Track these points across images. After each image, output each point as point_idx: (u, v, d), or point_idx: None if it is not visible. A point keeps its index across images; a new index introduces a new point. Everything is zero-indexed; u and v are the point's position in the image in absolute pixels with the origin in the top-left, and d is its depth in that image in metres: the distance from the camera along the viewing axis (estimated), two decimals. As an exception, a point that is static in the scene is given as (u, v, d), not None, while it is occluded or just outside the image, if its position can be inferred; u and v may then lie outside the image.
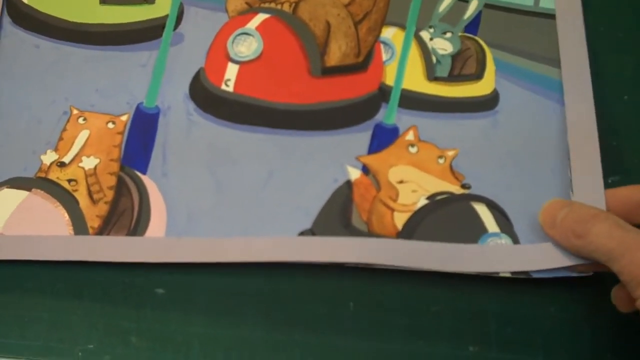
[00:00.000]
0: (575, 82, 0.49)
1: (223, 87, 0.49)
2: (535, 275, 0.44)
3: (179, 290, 0.45)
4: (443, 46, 0.51)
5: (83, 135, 0.47)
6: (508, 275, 0.44)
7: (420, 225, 0.46)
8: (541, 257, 0.44)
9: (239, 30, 0.50)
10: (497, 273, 0.45)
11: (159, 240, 0.45)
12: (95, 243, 0.44)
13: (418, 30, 0.51)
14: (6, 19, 0.49)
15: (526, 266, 0.44)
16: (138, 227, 0.45)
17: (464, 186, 0.48)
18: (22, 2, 0.50)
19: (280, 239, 0.45)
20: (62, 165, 0.47)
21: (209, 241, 0.45)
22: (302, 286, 0.45)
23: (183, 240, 0.44)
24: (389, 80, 0.50)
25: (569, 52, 0.50)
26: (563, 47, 0.50)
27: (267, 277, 0.45)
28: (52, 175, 0.46)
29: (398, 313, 0.45)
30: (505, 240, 0.45)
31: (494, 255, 0.45)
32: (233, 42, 0.49)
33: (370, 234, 0.46)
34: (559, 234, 0.42)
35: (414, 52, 0.51)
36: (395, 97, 0.50)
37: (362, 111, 0.49)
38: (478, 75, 0.51)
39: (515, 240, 0.45)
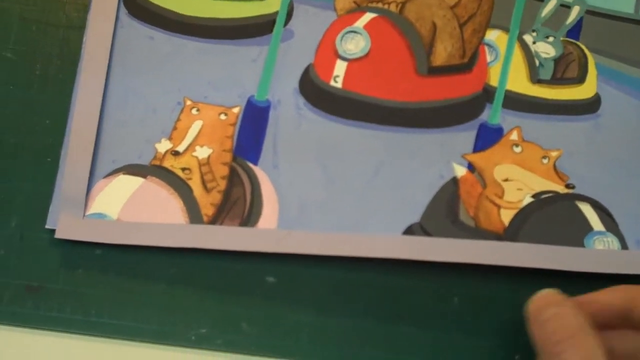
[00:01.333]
0: None
1: (332, 83, 0.50)
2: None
3: (289, 279, 0.46)
4: (546, 50, 0.52)
5: (196, 126, 0.48)
6: None
7: (527, 222, 0.47)
8: None
9: (348, 29, 0.51)
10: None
11: (272, 232, 0.46)
12: (210, 231, 0.45)
13: (521, 33, 0.52)
14: (123, 11, 0.50)
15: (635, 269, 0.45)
16: (251, 216, 0.46)
17: (568, 186, 0.48)
18: (137, -5, 0.51)
19: (391, 237, 0.45)
20: (176, 154, 0.48)
21: (321, 235, 0.45)
22: (410, 280, 0.46)
23: (295, 234, 0.45)
24: (493, 81, 0.51)
25: None
26: None
27: (376, 271, 0.46)
28: (167, 164, 0.48)
29: (502, 307, 0.45)
30: (611, 239, 0.46)
31: (601, 257, 0.45)
32: (342, 39, 0.50)
33: (477, 229, 0.47)
34: (537, 336, 0.41)
35: (517, 54, 0.52)
36: (499, 98, 0.50)
37: (467, 111, 0.50)
38: (580, 79, 0.51)
39: (622, 239, 0.46)
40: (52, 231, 0.45)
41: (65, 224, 0.45)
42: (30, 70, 0.49)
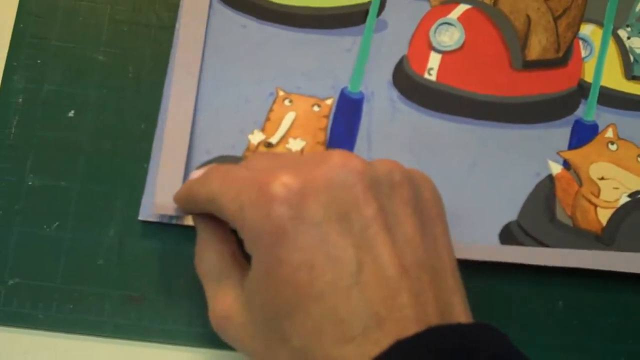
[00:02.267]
0: None
1: (426, 75, 0.49)
2: None
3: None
4: (641, 45, 0.51)
5: (289, 117, 0.48)
6: None
7: (624, 222, 0.47)
8: None
9: (441, 20, 0.50)
10: None
11: None
12: None
13: (615, 28, 0.51)
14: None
15: None
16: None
17: (664, 186, 0.48)
18: (230, -18, 0.50)
19: (488, 247, 0.45)
20: (269, 145, 0.47)
21: None
22: (515, 284, 0.45)
23: None
24: (588, 77, 0.50)
25: None
26: None
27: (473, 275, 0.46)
28: (260, 155, 0.47)
29: (606, 312, 0.45)
30: None
31: None
32: (435, 31, 0.50)
33: (575, 228, 0.46)
34: None
35: (612, 50, 0.51)
36: (594, 94, 0.50)
37: (562, 106, 0.49)
38: (676, 76, 0.51)
39: None
40: (151, 239, 0.45)
41: (160, 202, 0.44)
42: (123, 72, 0.48)
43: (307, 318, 0.32)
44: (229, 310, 0.36)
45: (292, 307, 0.31)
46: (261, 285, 0.33)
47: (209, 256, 0.39)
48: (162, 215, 0.45)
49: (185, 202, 0.40)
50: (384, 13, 0.50)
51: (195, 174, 0.40)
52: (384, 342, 0.31)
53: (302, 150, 0.47)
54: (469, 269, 0.40)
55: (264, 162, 0.37)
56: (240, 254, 0.39)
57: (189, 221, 0.45)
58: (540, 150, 0.48)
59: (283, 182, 0.32)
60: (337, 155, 0.34)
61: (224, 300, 0.37)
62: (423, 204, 0.35)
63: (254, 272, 0.33)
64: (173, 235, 0.45)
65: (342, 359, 0.31)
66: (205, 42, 0.49)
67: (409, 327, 0.31)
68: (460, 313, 0.33)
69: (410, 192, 0.35)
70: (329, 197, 0.33)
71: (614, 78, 0.50)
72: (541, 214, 0.47)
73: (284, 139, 0.48)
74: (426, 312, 0.32)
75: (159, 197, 0.45)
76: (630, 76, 0.51)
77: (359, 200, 0.33)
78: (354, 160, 0.34)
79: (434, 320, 0.32)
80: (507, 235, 0.46)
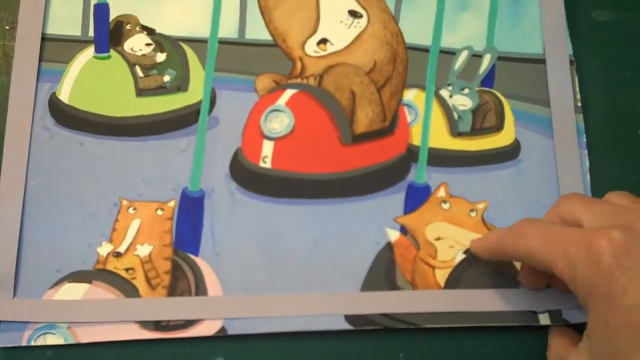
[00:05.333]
0: (562, 121, 0.54)
1: (261, 164, 0.52)
2: (573, 321, 0.47)
3: (238, 358, 0.48)
4: (463, 102, 0.54)
5: (135, 225, 0.50)
6: (547, 320, 0.47)
7: (462, 279, 0.49)
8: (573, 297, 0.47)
9: (270, 108, 0.53)
10: (535, 313, 0.47)
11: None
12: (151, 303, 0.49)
13: (437, 89, 0.54)
14: (50, 120, 0.52)
15: (560, 304, 0.48)
16: (197, 307, 0.48)
17: (497, 236, 0.50)
18: (64, 102, 0.52)
19: (332, 294, 0.49)
20: (118, 255, 0.49)
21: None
22: (354, 340, 0.48)
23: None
24: (416, 140, 0.53)
25: (558, 93, 0.54)
26: (552, 89, 0.54)
27: (322, 340, 0.48)
28: (110, 266, 0.49)
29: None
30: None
31: (532, 294, 0.49)
32: (266, 119, 0.52)
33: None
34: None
35: (436, 110, 0.54)
36: (423, 157, 0.53)
37: (394, 173, 0.52)
38: (499, 127, 0.54)
39: (552, 280, 0.49)
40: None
41: None
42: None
43: None
44: None
45: (632, 347, 0.35)
46: (601, 331, 0.37)
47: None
48: None
49: (490, 251, 0.47)
50: (215, 110, 0.53)
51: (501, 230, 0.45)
52: None
53: (150, 255, 0.49)
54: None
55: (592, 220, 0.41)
56: None
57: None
58: (377, 220, 0.51)
59: (610, 238, 0.37)
60: None
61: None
62: None
63: (592, 321, 0.38)
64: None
65: None
66: (45, 164, 0.51)
67: None
68: None
69: None
70: None
71: (441, 138, 0.53)
72: (383, 283, 0.49)
73: (131, 246, 0.50)
74: None
75: None
76: (456, 133, 0.53)
77: None
78: None
79: None
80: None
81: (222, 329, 0.47)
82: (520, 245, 0.43)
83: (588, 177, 0.52)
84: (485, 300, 0.48)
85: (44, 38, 0.53)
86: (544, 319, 0.48)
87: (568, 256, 0.39)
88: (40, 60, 0.53)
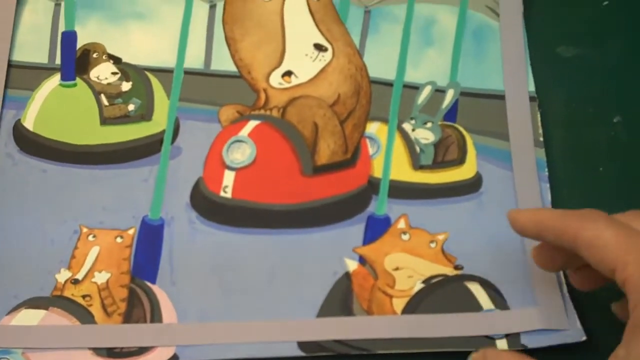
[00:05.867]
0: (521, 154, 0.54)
1: (222, 194, 0.52)
2: (530, 346, 0.47)
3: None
4: (425, 136, 0.55)
5: (94, 252, 0.50)
6: (504, 345, 0.47)
7: (419, 308, 0.49)
8: (532, 320, 0.47)
9: (233, 138, 0.53)
10: (493, 338, 0.47)
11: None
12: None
13: (400, 122, 0.55)
14: (14, 147, 0.52)
15: (518, 327, 0.48)
16: (152, 335, 0.48)
17: (456, 267, 0.51)
18: (29, 130, 0.53)
19: (286, 321, 0.48)
20: (76, 282, 0.50)
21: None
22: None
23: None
24: (377, 172, 0.53)
25: (517, 128, 0.54)
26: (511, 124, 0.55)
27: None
28: (67, 293, 0.49)
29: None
30: (499, 315, 0.48)
31: (488, 319, 0.49)
32: (228, 150, 0.53)
33: (371, 321, 0.49)
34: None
35: (399, 143, 0.54)
36: (384, 189, 0.53)
37: (354, 205, 0.52)
38: (460, 160, 0.54)
39: (510, 314, 0.48)
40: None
41: None
42: None
43: None
44: None
45: None
46: None
47: None
48: None
49: (538, 225, 0.43)
50: (178, 139, 0.53)
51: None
52: None
53: (107, 282, 0.49)
54: None
55: None
56: None
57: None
58: (337, 250, 0.51)
59: None
60: None
61: None
62: None
63: None
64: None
65: None
66: (4, 190, 0.51)
67: None
68: None
69: None
70: None
71: (402, 170, 0.54)
72: (339, 311, 0.49)
73: (89, 273, 0.50)
74: None
75: None
76: (417, 166, 0.54)
77: None
78: None
79: None
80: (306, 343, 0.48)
81: (175, 356, 0.47)
82: (587, 231, 0.39)
83: None
84: (440, 326, 0.48)
85: (10, 65, 0.54)
86: (502, 344, 0.47)
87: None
88: (5, 87, 0.53)
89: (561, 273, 0.49)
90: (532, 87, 0.56)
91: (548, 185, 0.53)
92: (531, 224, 0.44)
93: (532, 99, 0.55)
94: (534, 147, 0.54)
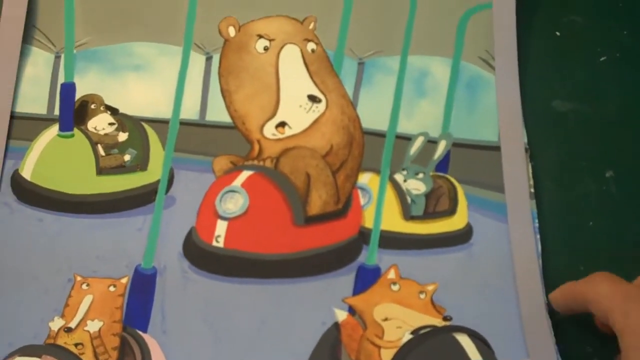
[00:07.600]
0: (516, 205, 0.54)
1: (214, 243, 0.53)
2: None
3: None
4: (416, 186, 0.55)
5: (87, 300, 0.51)
6: None
7: (407, 358, 0.49)
8: None
9: (226, 189, 0.54)
10: None
11: None
12: None
13: (392, 173, 0.55)
14: (11, 197, 0.53)
15: None
16: (142, 384, 0.49)
17: (445, 318, 0.51)
18: (26, 179, 0.54)
19: None
20: (68, 330, 0.50)
21: None
22: None
23: None
24: (368, 223, 0.54)
25: (512, 180, 0.54)
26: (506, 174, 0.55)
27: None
28: (60, 341, 0.50)
29: None
30: (487, 369, 0.48)
31: None
32: (221, 200, 0.54)
33: (359, 372, 0.49)
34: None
35: (390, 194, 0.55)
36: (375, 239, 0.53)
37: (345, 255, 0.53)
38: (451, 211, 0.55)
39: (498, 367, 0.49)
40: None
41: None
42: None
43: None
44: None
45: None
46: None
47: None
48: None
49: (564, 296, 0.49)
50: (172, 189, 0.54)
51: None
52: None
53: (99, 331, 0.50)
54: None
55: None
56: None
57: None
58: (326, 300, 0.51)
59: None
60: None
61: None
62: None
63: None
64: None
65: None
66: (1, 239, 0.52)
67: None
68: None
69: None
70: None
71: (393, 221, 0.54)
72: (327, 363, 0.49)
73: (82, 322, 0.51)
74: None
75: None
76: (408, 217, 0.54)
77: None
78: None
79: None
80: None
81: None
82: (591, 289, 0.46)
83: (540, 261, 0.52)
84: None
85: (12, 116, 0.55)
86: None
87: (626, 307, 0.43)
88: (8, 137, 0.54)
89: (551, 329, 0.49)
90: (525, 139, 0.56)
91: (539, 236, 0.53)
92: (560, 297, 0.50)
93: (525, 150, 0.55)
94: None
